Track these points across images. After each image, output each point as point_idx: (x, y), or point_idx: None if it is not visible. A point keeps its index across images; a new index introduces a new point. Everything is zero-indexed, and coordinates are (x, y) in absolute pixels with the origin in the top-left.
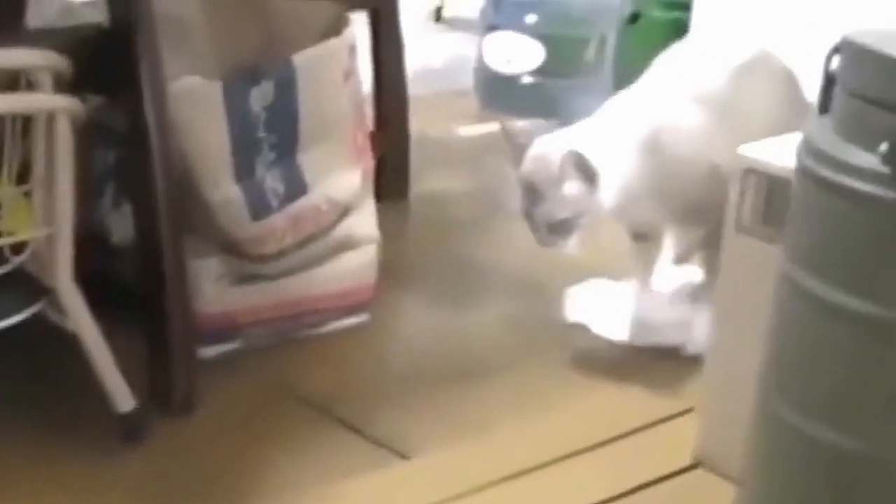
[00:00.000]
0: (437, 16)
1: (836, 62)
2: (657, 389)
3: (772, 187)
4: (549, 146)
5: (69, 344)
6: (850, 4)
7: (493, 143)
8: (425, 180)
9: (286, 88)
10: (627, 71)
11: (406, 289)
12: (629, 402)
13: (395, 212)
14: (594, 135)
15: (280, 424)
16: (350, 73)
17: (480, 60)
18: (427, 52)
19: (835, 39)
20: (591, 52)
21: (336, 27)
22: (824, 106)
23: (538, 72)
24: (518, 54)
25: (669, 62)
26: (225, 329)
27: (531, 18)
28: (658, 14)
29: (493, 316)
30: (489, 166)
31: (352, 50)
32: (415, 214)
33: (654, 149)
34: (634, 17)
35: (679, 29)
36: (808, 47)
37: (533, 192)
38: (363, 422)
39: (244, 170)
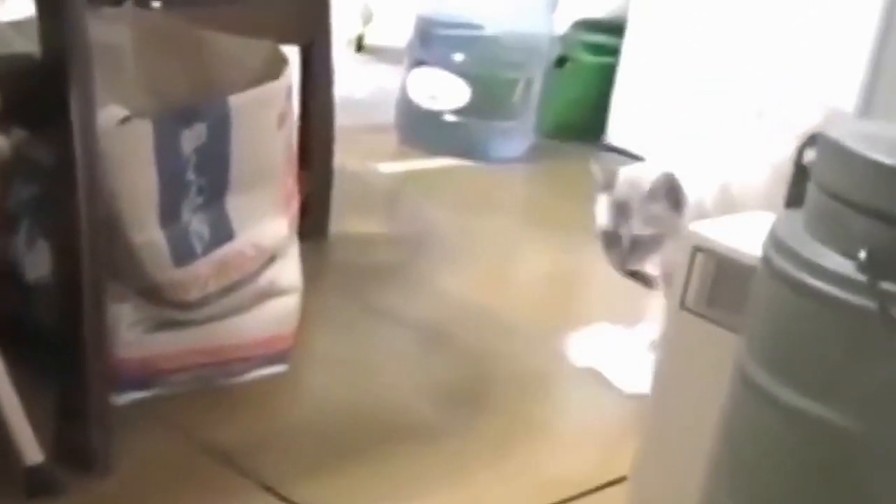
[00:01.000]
0: (359, 45)
1: (808, 155)
2: (587, 457)
3: (721, 268)
4: (642, 169)
5: None
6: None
7: (413, 182)
8: (345, 219)
9: (219, 130)
10: (553, 115)
11: (325, 338)
12: (557, 468)
13: (315, 253)
14: (686, 166)
15: (194, 481)
16: (285, 118)
17: (404, 95)
18: (347, 82)
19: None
20: (517, 94)
21: (275, 67)
22: (794, 200)
23: (462, 111)
24: (443, 91)
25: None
26: (141, 376)
27: (459, 57)
28: (586, 58)
29: (410, 371)
30: (409, 208)
31: (288, 93)
32: (335, 256)
33: (724, 198)
34: (562, 61)
35: (606, 74)
36: (729, 104)
37: (622, 210)
38: (277, 480)
39: (170, 213)
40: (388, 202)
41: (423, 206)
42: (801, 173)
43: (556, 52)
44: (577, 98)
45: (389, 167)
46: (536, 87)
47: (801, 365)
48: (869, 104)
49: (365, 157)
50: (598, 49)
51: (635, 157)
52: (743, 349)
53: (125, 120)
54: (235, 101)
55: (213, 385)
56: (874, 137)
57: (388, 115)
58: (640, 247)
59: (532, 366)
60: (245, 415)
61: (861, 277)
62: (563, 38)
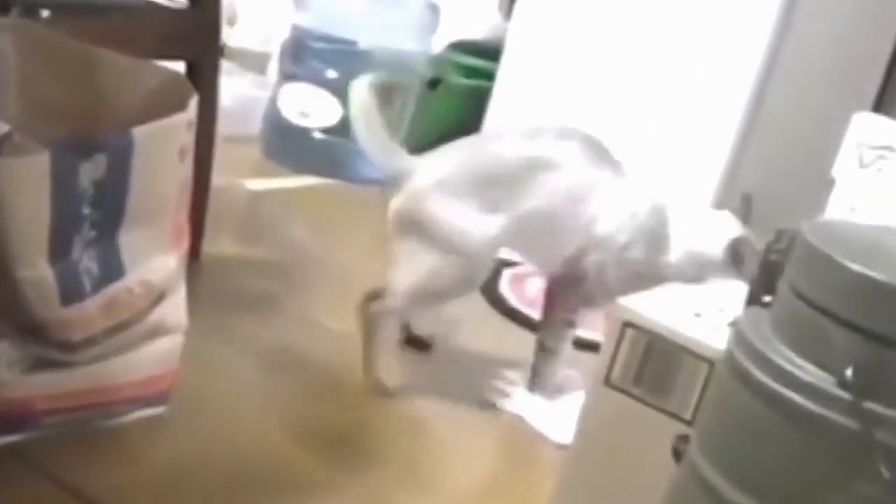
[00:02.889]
0: (221, 50)
1: (776, 254)
2: None
3: (650, 345)
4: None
5: None
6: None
7: (281, 201)
8: (214, 240)
9: (120, 163)
10: (424, 137)
11: (199, 375)
12: None
13: (188, 277)
14: None
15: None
16: (186, 152)
17: (273, 108)
18: None
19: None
20: (392, 115)
21: (179, 96)
22: (757, 297)
23: (333, 129)
24: (314, 108)
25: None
26: (14, 418)
27: (331, 73)
28: (458, 81)
29: (288, 413)
30: (279, 229)
31: (190, 125)
32: (208, 282)
33: None
34: (435, 83)
35: (479, 97)
36: (609, 119)
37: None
38: None
39: (61, 248)
40: (257, 222)
41: (292, 226)
42: (768, 270)
43: (430, 73)
44: (448, 120)
45: (255, 184)
46: (409, 108)
47: (769, 478)
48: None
49: (230, 172)
50: (472, 72)
51: None
52: (696, 447)
53: (6, 136)
54: (139, 133)
55: (90, 428)
56: (856, 242)
57: (252, 125)
58: None
59: (414, 405)
60: (119, 460)
61: (843, 394)
62: (437, 59)
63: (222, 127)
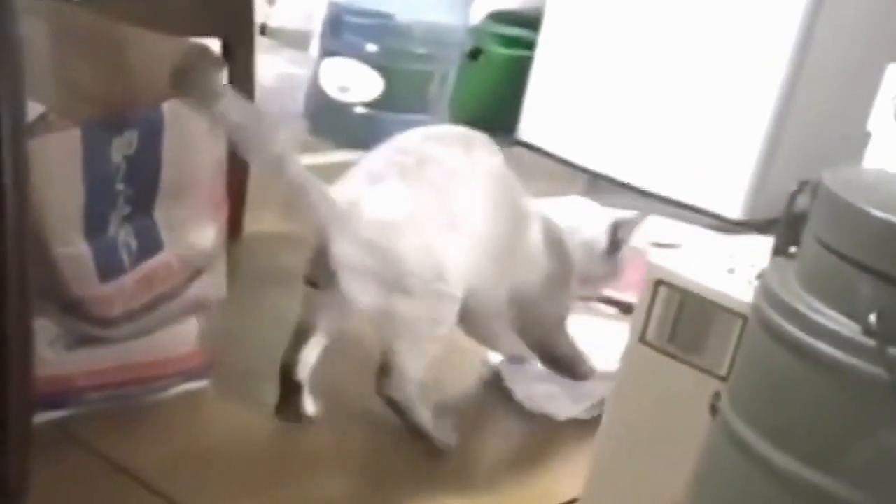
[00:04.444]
0: (263, 29)
1: (802, 202)
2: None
3: (683, 302)
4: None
5: None
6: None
7: (324, 176)
8: (256, 217)
9: (151, 138)
10: (464, 108)
11: (246, 351)
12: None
13: (230, 256)
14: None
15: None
16: (216, 125)
17: (315, 85)
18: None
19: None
20: (430, 87)
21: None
22: (783, 247)
23: (375, 103)
24: (355, 83)
25: None
26: (57, 395)
27: (371, 48)
28: (500, 51)
29: (330, 387)
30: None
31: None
32: (249, 260)
33: None
34: (475, 54)
35: (521, 67)
36: (639, 102)
37: None
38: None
39: (96, 224)
40: None
41: None
42: (791, 220)
43: (470, 44)
44: (489, 92)
45: (301, 160)
46: (450, 79)
47: (797, 429)
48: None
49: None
50: (512, 42)
51: (546, 154)
52: (727, 402)
53: (42, 117)
54: (169, 107)
55: (132, 403)
56: (878, 189)
57: (296, 102)
58: None
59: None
60: (163, 434)
61: (869, 342)
62: (477, 30)
63: (265, 106)
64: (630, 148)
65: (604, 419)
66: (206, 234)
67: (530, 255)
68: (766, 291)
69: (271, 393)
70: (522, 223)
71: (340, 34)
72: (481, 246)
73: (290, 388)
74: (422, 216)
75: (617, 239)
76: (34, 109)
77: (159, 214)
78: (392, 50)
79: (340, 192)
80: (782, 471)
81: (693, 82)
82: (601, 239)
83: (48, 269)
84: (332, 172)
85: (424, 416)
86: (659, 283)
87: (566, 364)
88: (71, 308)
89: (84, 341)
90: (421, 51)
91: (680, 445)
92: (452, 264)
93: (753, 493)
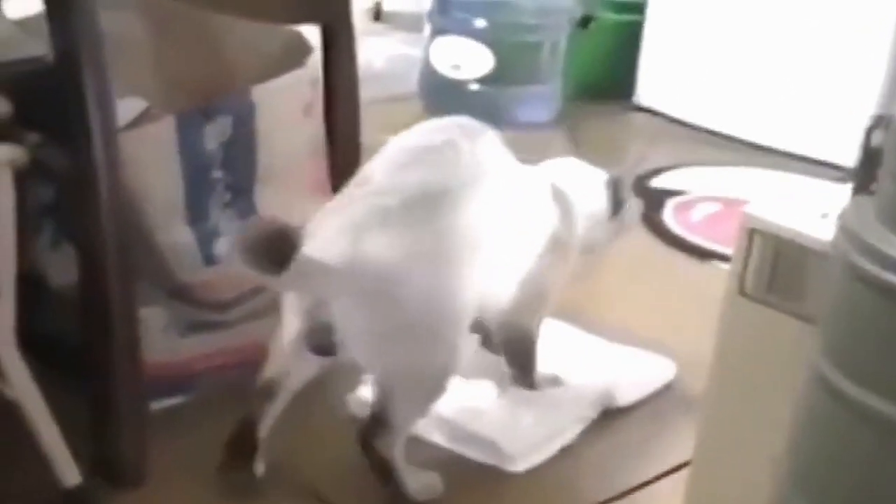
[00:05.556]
0: (377, 13)
1: (877, 138)
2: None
3: (779, 251)
4: None
5: (8, 411)
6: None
7: None
8: None
9: (244, 124)
10: (579, 76)
11: None
12: (612, 462)
13: None
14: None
15: (228, 487)
16: (311, 107)
17: (427, 64)
18: (367, 52)
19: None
20: (542, 59)
21: (298, 54)
22: (862, 186)
23: (487, 78)
24: (466, 60)
25: None
26: (175, 381)
27: (480, 23)
28: (611, 17)
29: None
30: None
31: (314, 82)
32: None
33: None
34: (586, 21)
35: (632, 32)
36: (756, 57)
37: None
38: (318, 486)
39: (197, 211)
40: None
41: None
42: (868, 158)
43: (580, 12)
44: (603, 58)
45: None
46: (561, 49)
47: (881, 367)
48: None
49: (387, 130)
50: (622, 7)
51: (667, 118)
52: (818, 349)
53: (145, 112)
54: (259, 92)
55: (250, 386)
56: None
57: (411, 84)
58: None
59: None
60: (279, 417)
61: None
62: None
63: (381, 88)
64: (748, 104)
65: (708, 377)
66: (308, 214)
67: (536, 240)
68: (844, 229)
69: None
70: (526, 211)
71: (449, 12)
72: (487, 262)
73: (245, 447)
74: (417, 262)
75: (619, 198)
76: (137, 105)
77: (260, 198)
78: (501, 24)
79: (325, 244)
80: (880, 417)
81: (810, 33)
82: (602, 201)
83: (154, 258)
84: None
85: (409, 477)
86: (753, 232)
87: (524, 355)
88: (180, 294)
89: (197, 327)
90: (530, 22)
91: (787, 397)
92: (458, 302)
93: (847, 438)
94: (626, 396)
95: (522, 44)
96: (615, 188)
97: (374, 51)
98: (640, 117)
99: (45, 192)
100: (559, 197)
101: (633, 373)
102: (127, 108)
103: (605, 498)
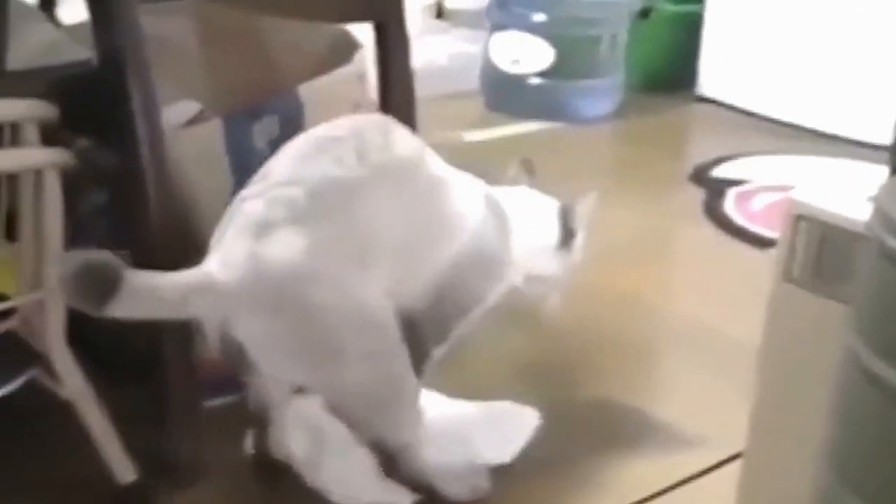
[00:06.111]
0: (439, 11)
1: None
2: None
3: (825, 236)
4: None
5: (62, 410)
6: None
7: (501, 150)
8: None
9: (292, 122)
10: (640, 68)
11: None
12: (664, 454)
13: None
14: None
15: (286, 483)
16: (360, 105)
17: (487, 60)
18: (429, 50)
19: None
20: (602, 51)
21: (345, 52)
22: None
23: (547, 73)
24: (526, 54)
25: None
26: (229, 379)
27: (539, 17)
28: (670, 8)
29: (496, 349)
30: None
31: (361, 79)
32: None
33: None
34: (646, 13)
35: (692, 21)
36: (818, 44)
37: None
38: None
39: None
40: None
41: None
42: None
43: (639, 3)
44: (663, 49)
45: (475, 135)
46: (621, 41)
47: None
48: None
49: (449, 126)
50: None
51: (728, 107)
52: (853, 333)
53: (199, 115)
54: (306, 91)
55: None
56: None
57: (473, 80)
58: None
59: (633, 339)
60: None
61: None
62: None
63: (444, 85)
64: (810, 92)
65: (758, 367)
66: None
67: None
68: (877, 210)
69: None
70: (446, 207)
71: (508, 7)
72: (404, 258)
73: (273, 469)
74: (328, 258)
75: (570, 228)
76: (191, 108)
77: None
78: (560, 18)
79: (222, 255)
80: None
81: (873, 19)
82: (552, 230)
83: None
84: (511, 145)
85: (441, 477)
86: (799, 218)
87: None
88: None
89: None
90: (589, 15)
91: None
92: (379, 304)
93: (881, 419)
94: (496, 455)
95: (582, 37)
96: (566, 217)
97: (436, 48)
98: (702, 108)
99: (99, 194)
100: (493, 206)
101: (497, 429)
102: (181, 110)
103: (659, 489)
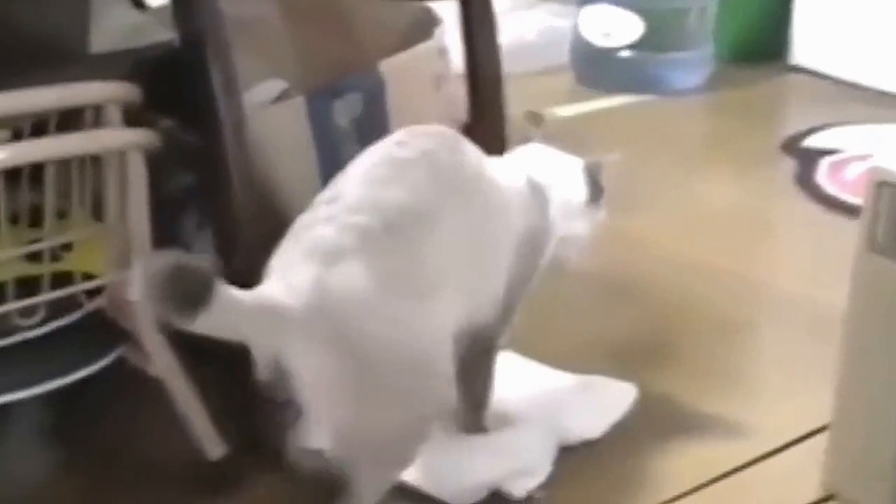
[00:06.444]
0: None
1: None
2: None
3: None
4: None
5: (152, 387)
6: None
7: (592, 123)
8: None
9: (375, 99)
10: (730, 39)
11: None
12: (746, 425)
13: None
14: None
15: None
16: (442, 79)
17: (577, 34)
18: (518, 26)
19: None
20: (691, 23)
21: (425, 27)
22: None
23: (637, 45)
24: (616, 27)
25: None
26: None
27: None
28: None
29: (593, 321)
30: (588, 150)
31: (442, 53)
32: None
33: None
34: None
35: None
36: None
37: None
38: None
39: None
40: (568, 150)
41: (603, 147)
42: None
43: None
44: (754, 18)
45: (567, 110)
46: (711, 11)
47: None
48: None
49: (540, 102)
50: None
51: (822, 76)
52: None
53: (285, 93)
54: (387, 66)
55: None
56: None
57: (562, 55)
58: None
59: (728, 313)
60: None
61: None
62: None
63: (534, 61)
64: None
65: (842, 339)
66: None
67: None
68: None
69: (527, 324)
70: (501, 210)
71: None
72: (473, 278)
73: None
74: (394, 293)
75: (598, 184)
76: (278, 86)
77: None
78: None
79: (288, 278)
80: None
81: None
82: (579, 188)
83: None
84: (602, 119)
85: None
86: (882, 185)
87: (483, 381)
88: None
89: None
90: None
91: None
92: (434, 339)
93: None
94: (587, 429)
95: (671, 9)
96: (593, 174)
97: (526, 24)
98: (794, 77)
99: (187, 175)
100: (536, 191)
101: (590, 402)
102: (267, 89)
103: (743, 462)
